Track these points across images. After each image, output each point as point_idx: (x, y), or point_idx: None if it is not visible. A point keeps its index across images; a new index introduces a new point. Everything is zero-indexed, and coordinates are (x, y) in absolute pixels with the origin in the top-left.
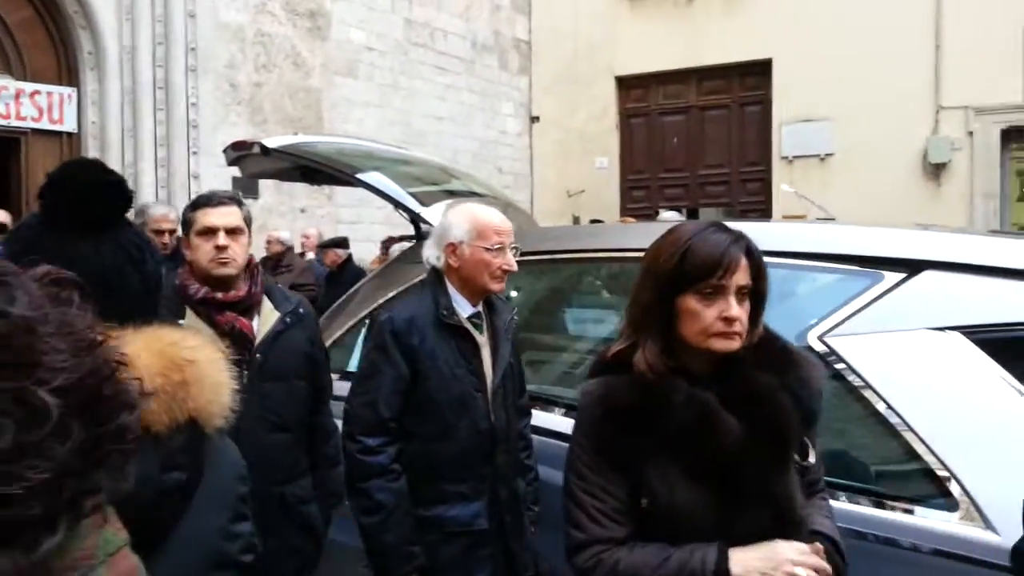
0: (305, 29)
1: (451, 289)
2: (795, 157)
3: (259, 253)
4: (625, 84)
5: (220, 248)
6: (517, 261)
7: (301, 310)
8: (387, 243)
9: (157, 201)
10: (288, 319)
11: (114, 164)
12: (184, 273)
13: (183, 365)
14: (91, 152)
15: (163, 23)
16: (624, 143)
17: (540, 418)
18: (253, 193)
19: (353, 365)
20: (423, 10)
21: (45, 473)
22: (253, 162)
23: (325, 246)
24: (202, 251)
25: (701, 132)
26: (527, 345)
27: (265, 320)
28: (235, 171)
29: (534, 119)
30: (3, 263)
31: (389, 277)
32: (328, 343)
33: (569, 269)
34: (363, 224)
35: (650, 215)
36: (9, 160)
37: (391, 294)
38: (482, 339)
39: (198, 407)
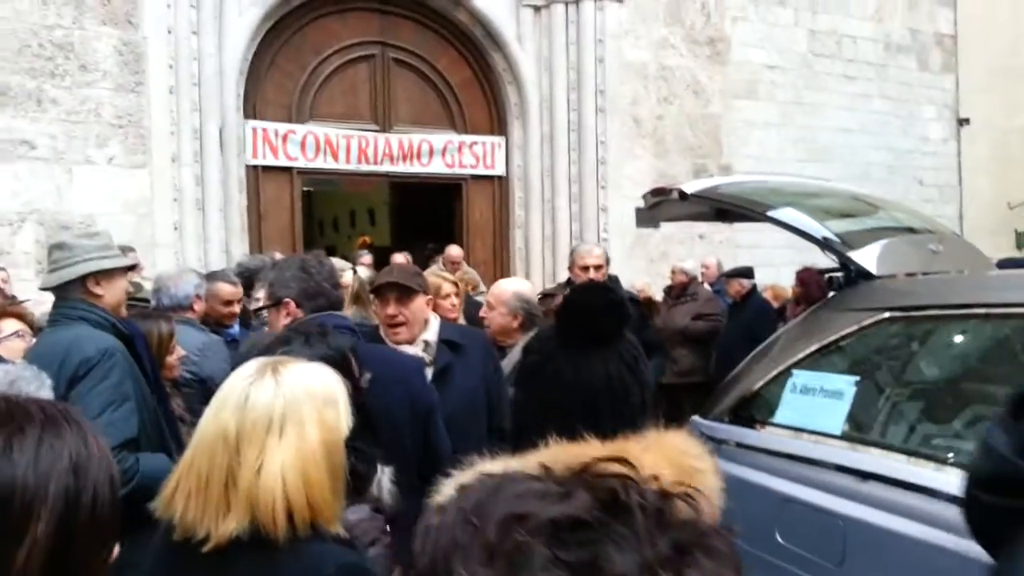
0: (705, 57)
1: None
2: None
3: (663, 283)
4: None
5: None
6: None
7: None
8: (802, 275)
9: (583, 241)
10: None
11: (535, 202)
12: None
13: (693, 474)
14: (516, 192)
15: (576, 70)
16: None
17: None
18: (654, 224)
19: (780, 418)
20: (828, 18)
21: None
22: (670, 206)
23: (730, 275)
24: None
25: None
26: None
27: None
28: (638, 203)
29: (963, 122)
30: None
31: (813, 325)
32: (750, 392)
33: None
34: (762, 248)
35: None
36: (454, 202)
37: (815, 346)
38: None
39: (710, 516)
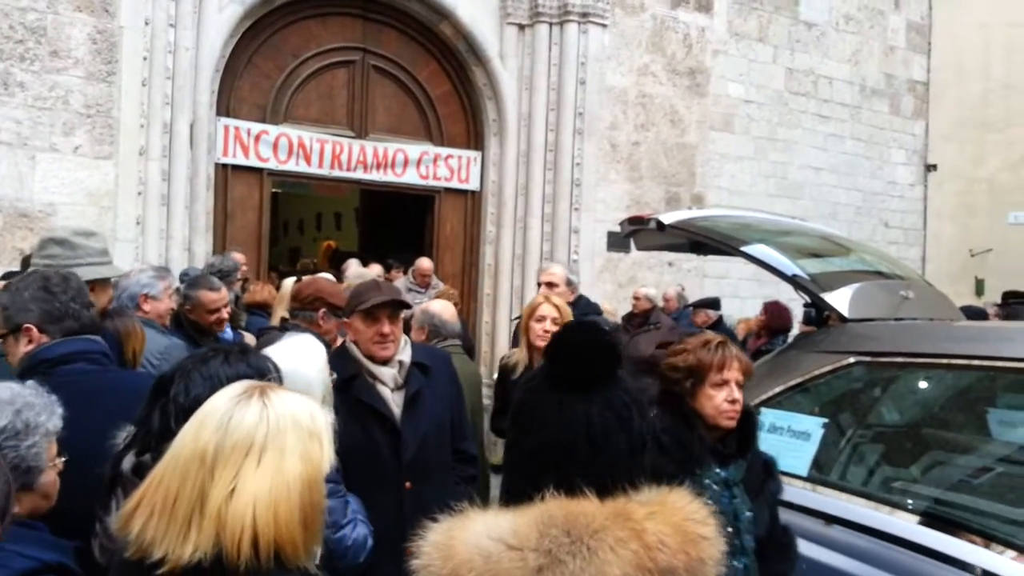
0: (684, 87)
1: None
2: None
3: (624, 308)
4: None
5: None
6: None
7: None
8: (770, 307)
9: (551, 261)
10: None
11: (507, 219)
12: None
13: (698, 542)
14: (489, 208)
15: (556, 91)
16: None
17: None
18: (625, 248)
19: None
20: (806, 58)
21: None
22: (646, 236)
23: (697, 305)
24: None
25: None
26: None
27: None
28: (609, 226)
29: (930, 168)
30: None
31: (782, 365)
32: None
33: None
34: (730, 280)
35: None
36: (426, 214)
37: (783, 386)
38: None
39: None
